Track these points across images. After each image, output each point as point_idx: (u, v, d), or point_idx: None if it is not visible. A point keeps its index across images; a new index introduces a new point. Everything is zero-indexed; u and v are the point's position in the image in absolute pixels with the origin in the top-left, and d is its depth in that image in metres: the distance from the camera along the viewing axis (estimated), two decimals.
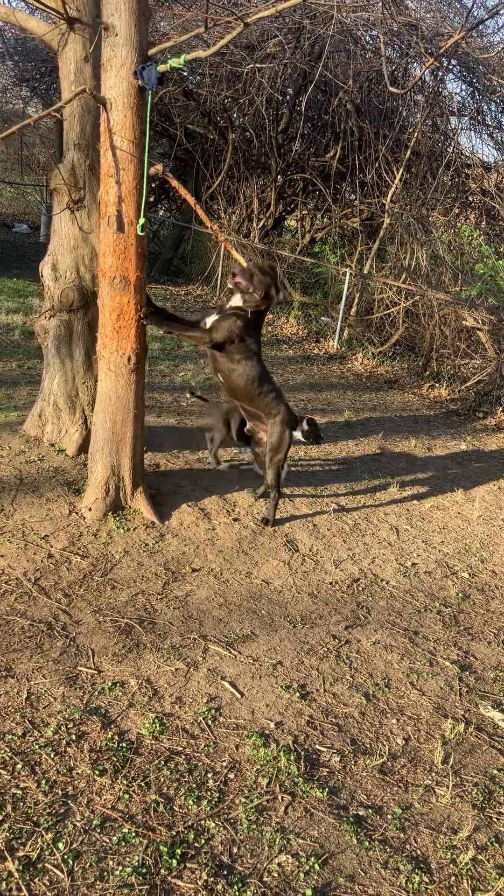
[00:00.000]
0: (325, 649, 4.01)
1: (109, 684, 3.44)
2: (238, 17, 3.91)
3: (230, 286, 4.88)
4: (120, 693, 3.41)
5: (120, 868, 2.56)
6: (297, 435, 5.37)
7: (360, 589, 4.73)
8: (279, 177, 13.21)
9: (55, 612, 3.91)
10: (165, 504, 5.16)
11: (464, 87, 12.52)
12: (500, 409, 9.09)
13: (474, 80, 11.49)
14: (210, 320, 4.85)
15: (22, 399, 6.51)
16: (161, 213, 17.61)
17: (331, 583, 4.73)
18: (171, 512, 5.09)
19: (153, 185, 16.22)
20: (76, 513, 4.81)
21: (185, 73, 12.20)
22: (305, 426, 5.44)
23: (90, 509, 4.80)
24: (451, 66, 11.31)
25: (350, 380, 10.02)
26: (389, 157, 11.80)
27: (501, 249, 11.26)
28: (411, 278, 11.12)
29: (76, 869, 2.54)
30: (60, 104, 4.33)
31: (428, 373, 10.34)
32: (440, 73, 11.16)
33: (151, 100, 4.31)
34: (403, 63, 11.78)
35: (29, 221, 18.83)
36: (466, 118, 12.13)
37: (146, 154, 4.36)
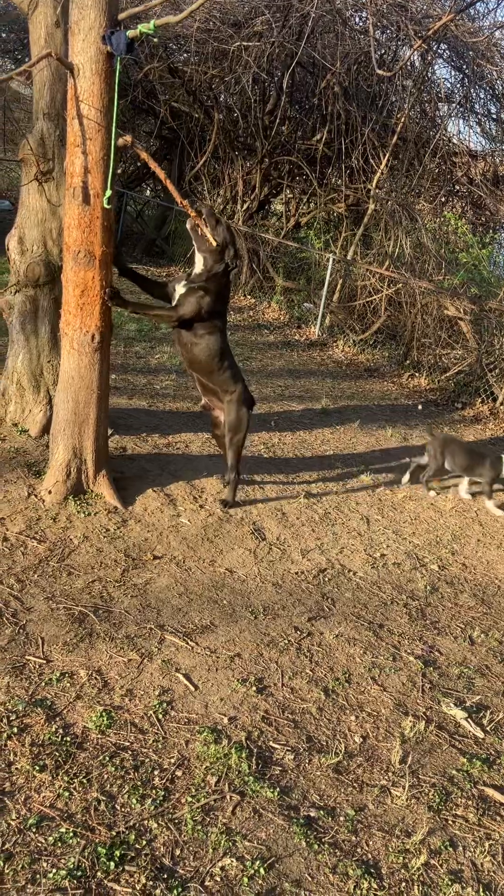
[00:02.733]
0: (286, 642, 3.89)
1: (57, 675, 3.31)
2: None
3: (189, 227, 4.73)
4: (68, 684, 3.28)
5: (54, 871, 2.43)
6: None
7: (327, 580, 4.61)
8: (265, 159, 12.99)
9: (6, 598, 3.76)
10: (130, 489, 5.01)
11: (453, 72, 12.31)
12: (479, 400, 8.99)
13: (464, 66, 11.32)
14: (178, 293, 4.72)
15: None
16: (147, 192, 17.35)
17: (296, 573, 4.61)
18: (136, 497, 4.95)
19: (138, 163, 15.98)
20: (35, 496, 4.65)
21: (169, 46, 11.95)
22: None
23: (50, 492, 4.64)
24: (440, 51, 11.14)
25: (330, 367, 9.89)
26: (376, 141, 11.62)
27: (486, 239, 11.14)
28: (395, 266, 10.97)
29: (6, 871, 2.41)
30: (24, 67, 4.14)
31: (408, 362, 10.22)
32: (429, 57, 10.98)
33: (120, 67, 4.13)
34: (392, 46, 11.59)
35: (11, 197, 18.47)
36: (455, 105, 11.96)
37: (115, 123, 4.18)
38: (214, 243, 4.60)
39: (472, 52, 10.66)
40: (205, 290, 4.68)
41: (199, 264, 4.75)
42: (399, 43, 11.45)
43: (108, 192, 4.26)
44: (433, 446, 6.15)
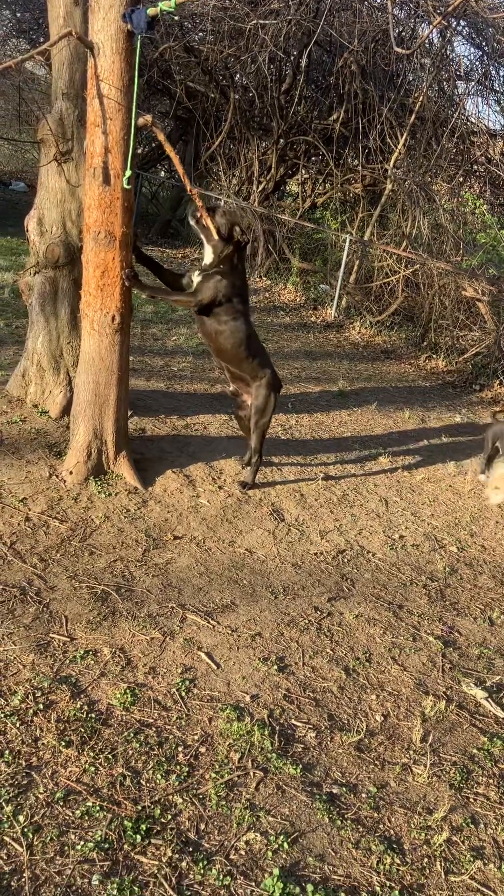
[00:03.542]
0: (307, 621, 3.91)
1: (81, 652, 3.35)
2: None
3: (191, 221, 4.74)
4: (92, 662, 3.31)
5: (82, 843, 2.48)
6: None
7: (346, 561, 4.62)
8: (281, 139, 12.89)
9: (29, 577, 3.80)
10: (149, 470, 5.03)
11: (472, 50, 12.17)
12: (497, 381, 8.95)
13: (483, 43, 11.16)
14: (195, 281, 4.72)
15: (8, 358, 6.35)
16: (162, 174, 17.28)
17: (316, 554, 4.63)
18: (155, 478, 4.97)
19: (153, 144, 15.90)
20: (57, 476, 4.68)
21: (185, 24, 11.85)
22: None
23: (71, 473, 4.67)
24: (459, 28, 10.99)
25: (346, 349, 9.86)
26: (393, 121, 11.51)
27: None
28: (412, 247, 10.90)
29: (36, 843, 2.45)
30: (44, 47, 4.12)
31: (426, 343, 10.18)
32: (448, 34, 10.84)
33: (140, 45, 4.11)
34: (411, 23, 11.44)
35: (27, 179, 18.44)
36: (474, 83, 11.81)
37: (135, 103, 4.17)
38: (217, 236, 4.61)
39: (492, 28, 10.51)
40: (221, 275, 4.68)
41: (208, 254, 4.74)
42: (418, 20, 11.31)
43: (129, 172, 4.25)
44: (487, 433, 6.22)
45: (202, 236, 4.73)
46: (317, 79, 12.82)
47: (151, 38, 11.56)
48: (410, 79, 11.92)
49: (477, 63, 11.89)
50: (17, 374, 5.47)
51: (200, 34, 12.39)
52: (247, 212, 12.34)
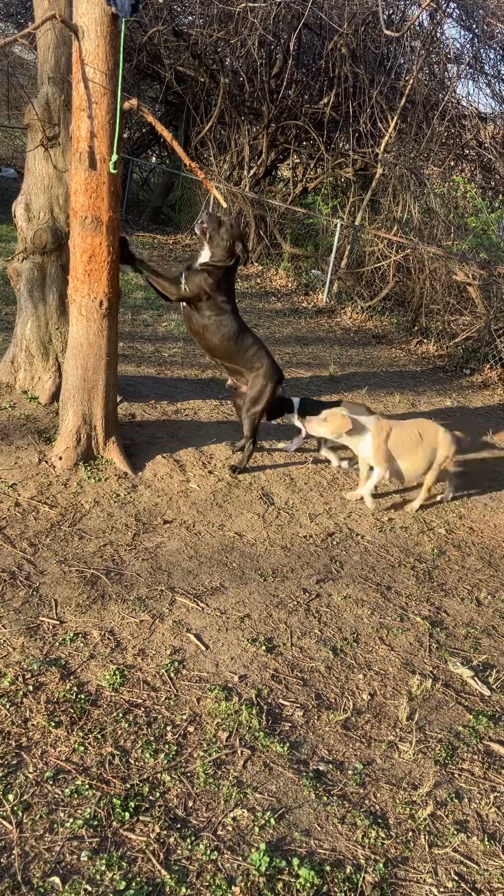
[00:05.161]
0: (295, 603, 3.94)
1: (71, 635, 3.37)
2: None
3: (197, 231, 4.78)
4: (81, 644, 3.34)
5: (71, 820, 2.51)
6: None
7: (335, 543, 4.66)
8: (271, 123, 12.85)
9: (19, 562, 3.82)
10: (139, 455, 5.05)
11: (463, 32, 12.13)
12: (488, 366, 8.97)
13: (473, 26, 11.12)
14: (182, 277, 4.76)
15: None
16: (153, 159, 17.22)
17: (305, 536, 4.66)
18: (145, 463, 4.99)
19: (144, 130, 15.82)
20: (46, 462, 4.70)
21: (174, 8, 11.76)
22: None
23: (61, 458, 4.69)
24: (449, 10, 10.94)
25: (338, 334, 9.87)
26: (384, 104, 11.47)
27: (495, 203, 11.02)
28: (403, 231, 10.89)
29: (25, 821, 2.48)
30: (28, 30, 4.11)
31: (416, 328, 10.19)
32: (438, 17, 10.79)
33: (127, 29, 4.10)
34: (401, 5, 11.39)
35: (16, 166, 18.34)
36: (464, 66, 11.78)
37: (120, 87, 4.16)
38: (220, 251, 4.68)
39: (482, 10, 10.47)
40: (208, 273, 4.72)
41: (205, 255, 4.77)
42: (407, 2, 11.26)
43: (115, 157, 4.24)
44: None
45: (202, 243, 4.77)
46: (307, 62, 12.76)
47: (139, 22, 11.51)
48: (401, 62, 11.88)
49: (467, 45, 11.86)
50: (7, 360, 5.47)
51: (189, 17, 12.31)
52: (238, 197, 12.32)
